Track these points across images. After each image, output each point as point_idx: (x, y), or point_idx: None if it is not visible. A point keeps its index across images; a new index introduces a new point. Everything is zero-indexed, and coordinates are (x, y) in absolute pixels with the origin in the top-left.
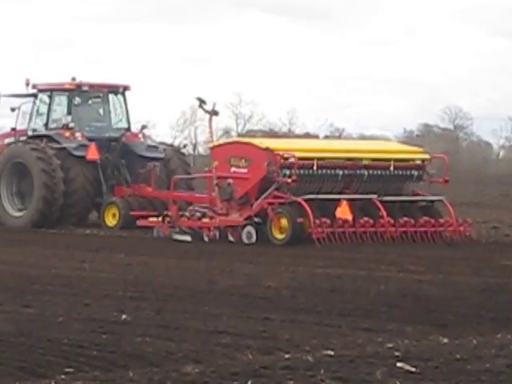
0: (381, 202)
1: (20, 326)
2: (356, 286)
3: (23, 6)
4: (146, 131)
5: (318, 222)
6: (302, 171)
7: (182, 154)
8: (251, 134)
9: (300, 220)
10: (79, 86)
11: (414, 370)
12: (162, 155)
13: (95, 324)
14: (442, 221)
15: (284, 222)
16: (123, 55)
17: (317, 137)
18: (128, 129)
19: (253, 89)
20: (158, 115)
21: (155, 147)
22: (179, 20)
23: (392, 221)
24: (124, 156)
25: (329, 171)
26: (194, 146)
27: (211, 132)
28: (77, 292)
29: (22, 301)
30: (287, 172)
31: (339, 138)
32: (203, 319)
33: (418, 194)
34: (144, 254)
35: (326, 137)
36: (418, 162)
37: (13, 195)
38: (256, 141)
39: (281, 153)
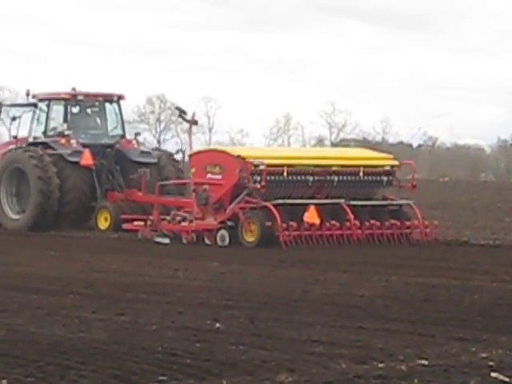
0: (348, 206)
1: (114, 334)
2: (450, 295)
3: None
4: (139, 138)
5: (284, 225)
6: (272, 177)
7: (176, 160)
8: (345, 143)
9: (268, 224)
10: (74, 95)
11: (508, 380)
12: (154, 160)
13: (189, 332)
14: (408, 223)
15: (253, 225)
16: (218, 63)
17: (410, 146)
18: (123, 136)
19: (346, 97)
20: (251, 124)
21: (148, 153)
22: (274, 29)
23: (359, 224)
24: (118, 162)
25: (299, 177)
26: None
27: (190, 140)
28: (170, 300)
29: (116, 309)
30: (258, 178)
31: (432, 146)
32: (297, 328)
33: (388, 199)
34: (238, 262)
35: (419, 146)
36: (388, 168)
37: (12, 199)
38: (229, 149)
39: (251, 160)
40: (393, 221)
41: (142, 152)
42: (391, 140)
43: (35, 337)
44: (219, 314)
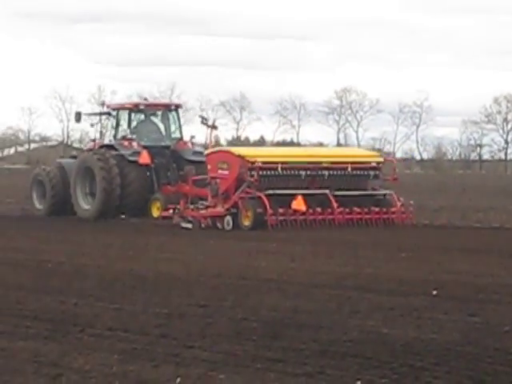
0: (334, 196)
1: (466, 335)
2: None
3: None
4: (194, 140)
5: (271, 211)
6: (266, 172)
7: None
8: None
9: (259, 210)
10: (137, 104)
11: None
12: (204, 159)
13: None
14: (386, 209)
15: (249, 212)
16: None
17: None
18: (180, 138)
19: None
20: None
21: (200, 152)
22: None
23: (341, 210)
24: (175, 160)
25: (293, 172)
26: None
27: (210, 142)
28: None
29: (468, 310)
30: (254, 173)
31: None
32: None
33: (375, 190)
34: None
35: None
36: (374, 164)
37: (85, 192)
38: (233, 149)
39: (249, 158)
40: (373, 208)
41: (195, 152)
42: None
43: (388, 338)
44: None
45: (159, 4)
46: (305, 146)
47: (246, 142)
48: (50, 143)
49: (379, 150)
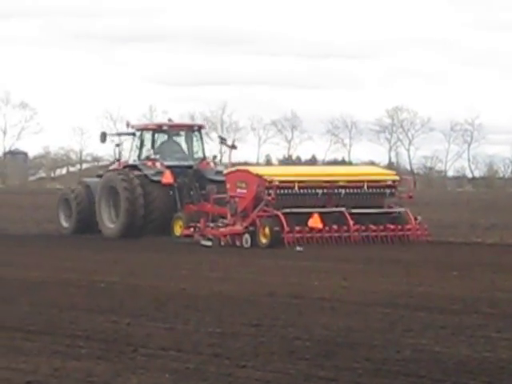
0: (350, 213)
1: None
2: None
3: None
4: (216, 160)
5: (287, 228)
6: (283, 191)
7: None
8: None
9: (276, 228)
10: (160, 125)
11: None
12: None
13: None
14: (408, 227)
15: (267, 229)
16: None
17: None
18: (203, 158)
19: None
20: None
21: (222, 172)
22: None
23: (357, 228)
24: (198, 179)
25: (309, 190)
26: None
27: (230, 162)
28: None
29: None
30: (271, 192)
31: None
32: None
33: (391, 207)
34: None
35: None
36: (390, 183)
37: (110, 211)
38: (251, 168)
39: (266, 177)
40: (389, 225)
41: (217, 172)
42: None
43: (440, 356)
44: None
45: (210, 24)
46: (352, 164)
47: (298, 162)
48: (101, 163)
49: (431, 169)
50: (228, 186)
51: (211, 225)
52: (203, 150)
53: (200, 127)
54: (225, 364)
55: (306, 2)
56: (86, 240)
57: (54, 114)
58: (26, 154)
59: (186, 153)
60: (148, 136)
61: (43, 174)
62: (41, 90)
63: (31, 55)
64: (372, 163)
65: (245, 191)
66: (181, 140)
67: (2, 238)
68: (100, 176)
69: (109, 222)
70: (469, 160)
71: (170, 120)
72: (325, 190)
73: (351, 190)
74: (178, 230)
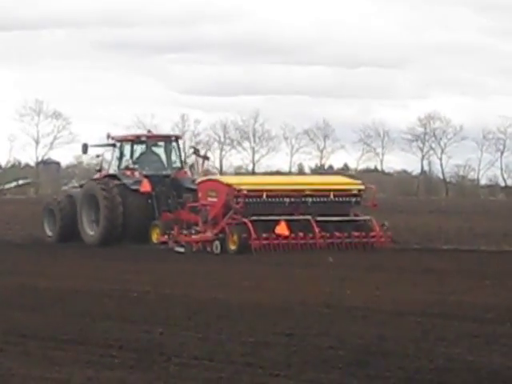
0: (316, 221)
1: None
2: None
3: None
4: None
5: (255, 236)
6: (251, 200)
7: None
8: None
9: (244, 235)
10: (138, 136)
11: None
12: None
13: None
14: (372, 234)
15: (235, 237)
16: None
17: None
18: (180, 167)
19: None
20: None
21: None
22: None
23: (323, 235)
24: (175, 188)
25: (277, 199)
26: None
27: (202, 172)
28: None
29: None
30: (240, 200)
31: None
32: None
33: (356, 215)
34: None
35: None
36: (355, 192)
37: (91, 219)
38: (221, 178)
39: (235, 186)
40: (354, 232)
41: (193, 180)
42: None
43: (474, 366)
44: None
45: (242, 33)
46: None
47: (330, 171)
48: None
49: (463, 177)
50: (200, 194)
51: (184, 232)
52: (181, 159)
53: (177, 138)
54: (258, 373)
55: (339, 12)
56: (113, 249)
57: (87, 123)
58: (58, 164)
59: (165, 163)
60: (127, 147)
61: (76, 184)
62: (74, 100)
63: (64, 65)
64: (404, 172)
65: (215, 199)
66: (159, 150)
67: (35, 248)
68: (82, 186)
69: (89, 230)
70: (501, 169)
71: (149, 132)
72: (292, 199)
73: (318, 199)
74: (155, 237)
